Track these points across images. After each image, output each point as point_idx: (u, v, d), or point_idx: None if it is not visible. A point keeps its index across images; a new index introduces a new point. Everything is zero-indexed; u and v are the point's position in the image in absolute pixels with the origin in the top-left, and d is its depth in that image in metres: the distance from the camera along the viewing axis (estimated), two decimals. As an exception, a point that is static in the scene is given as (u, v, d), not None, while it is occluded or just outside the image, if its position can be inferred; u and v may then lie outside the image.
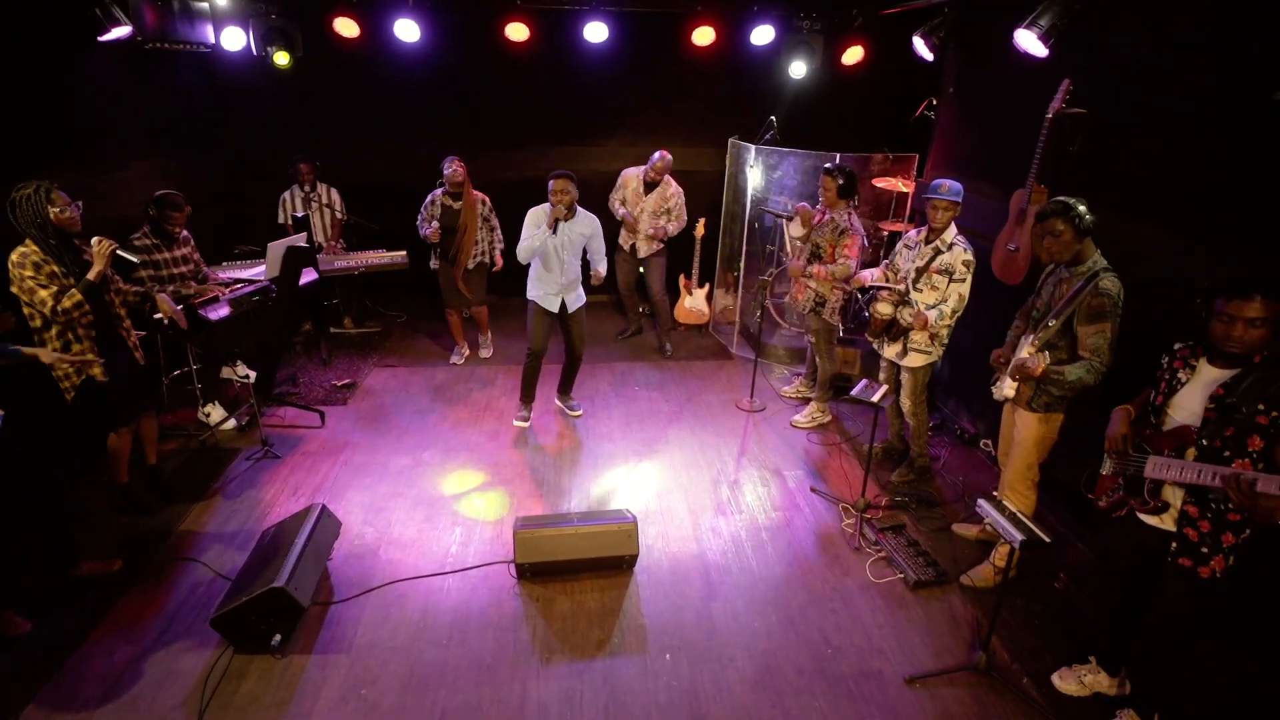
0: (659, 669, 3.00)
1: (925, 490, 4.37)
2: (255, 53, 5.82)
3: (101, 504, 3.84)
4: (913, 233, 4.19)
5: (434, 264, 5.67)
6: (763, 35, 6.17)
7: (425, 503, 4.07)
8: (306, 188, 6.05)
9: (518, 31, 5.95)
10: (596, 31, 5.99)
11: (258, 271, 4.79)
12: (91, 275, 3.24)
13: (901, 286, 4.12)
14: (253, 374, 5.06)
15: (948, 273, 3.91)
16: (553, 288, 4.57)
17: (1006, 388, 3.35)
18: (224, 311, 4.16)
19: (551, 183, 4.33)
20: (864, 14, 6.25)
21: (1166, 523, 2.48)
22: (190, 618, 3.18)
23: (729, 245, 6.76)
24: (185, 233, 4.55)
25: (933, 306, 3.96)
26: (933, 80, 5.67)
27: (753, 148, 5.86)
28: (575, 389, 5.19)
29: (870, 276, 4.30)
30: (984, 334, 4.00)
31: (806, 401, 5.42)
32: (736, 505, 4.17)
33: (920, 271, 4.01)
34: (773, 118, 6.20)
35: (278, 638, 2.94)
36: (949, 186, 3.86)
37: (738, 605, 3.39)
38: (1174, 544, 2.45)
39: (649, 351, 6.38)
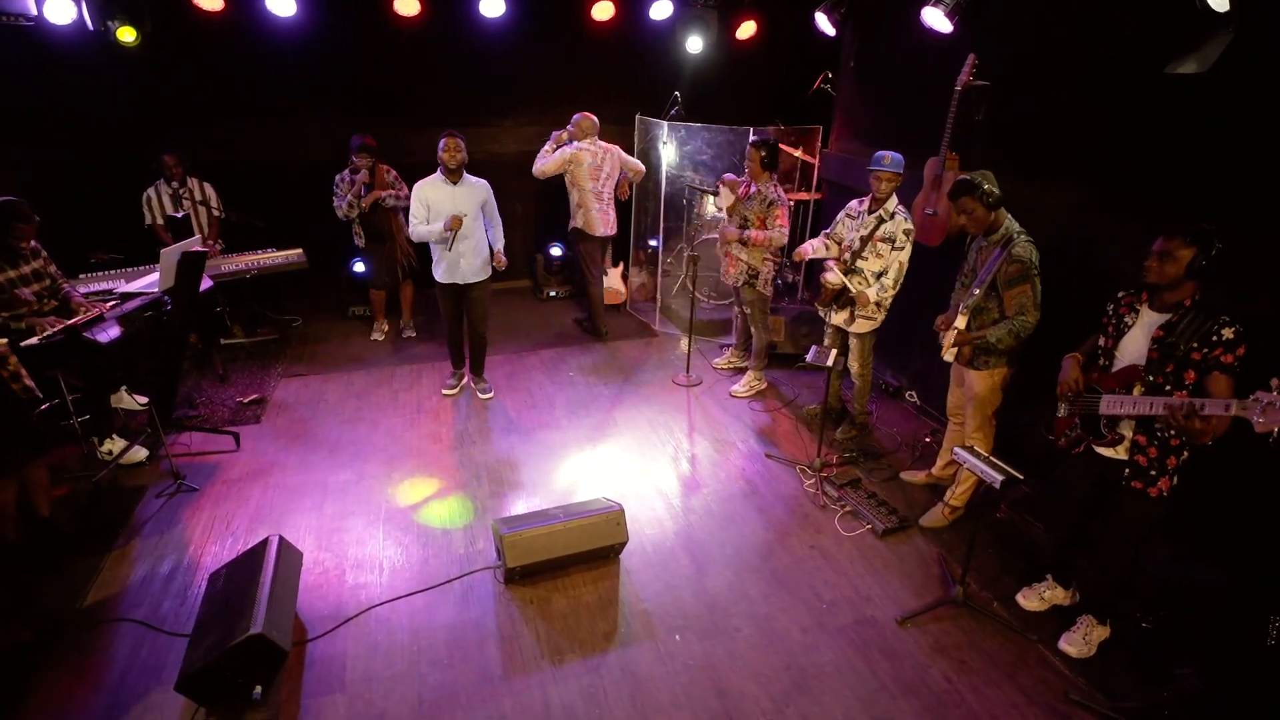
0: (672, 650, 3.01)
1: (868, 444, 4.65)
2: (91, 27, 5.01)
3: (-13, 570, 3.25)
4: (855, 203, 4.37)
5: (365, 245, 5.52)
6: (661, 10, 6.15)
7: (381, 518, 3.79)
8: (175, 184, 5.34)
9: (407, 6, 5.54)
10: (492, 6, 5.70)
11: (142, 284, 4.18)
12: None
13: (845, 256, 4.31)
14: (144, 399, 4.45)
15: (890, 240, 4.13)
16: (454, 261, 4.57)
17: (947, 353, 3.62)
18: (114, 332, 3.62)
19: (440, 143, 4.38)
20: (754, -10, 6.40)
21: (1120, 453, 2.80)
22: (140, 686, 2.78)
23: (642, 223, 6.75)
24: (34, 243, 3.88)
25: (879, 275, 4.17)
26: (828, 55, 5.92)
27: (664, 124, 5.86)
28: (509, 380, 5.04)
29: (811, 249, 4.46)
30: (903, 293, 4.28)
31: (739, 372, 5.57)
32: (699, 479, 4.23)
33: (865, 240, 4.21)
34: (677, 93, 6.23)
35: (259, 690, 2.65)
36: (891, 158, 4.05)
37: (728, 576, 3.46)
38: (1126, 470, 2.77)
39: (574, 336, 6.27)
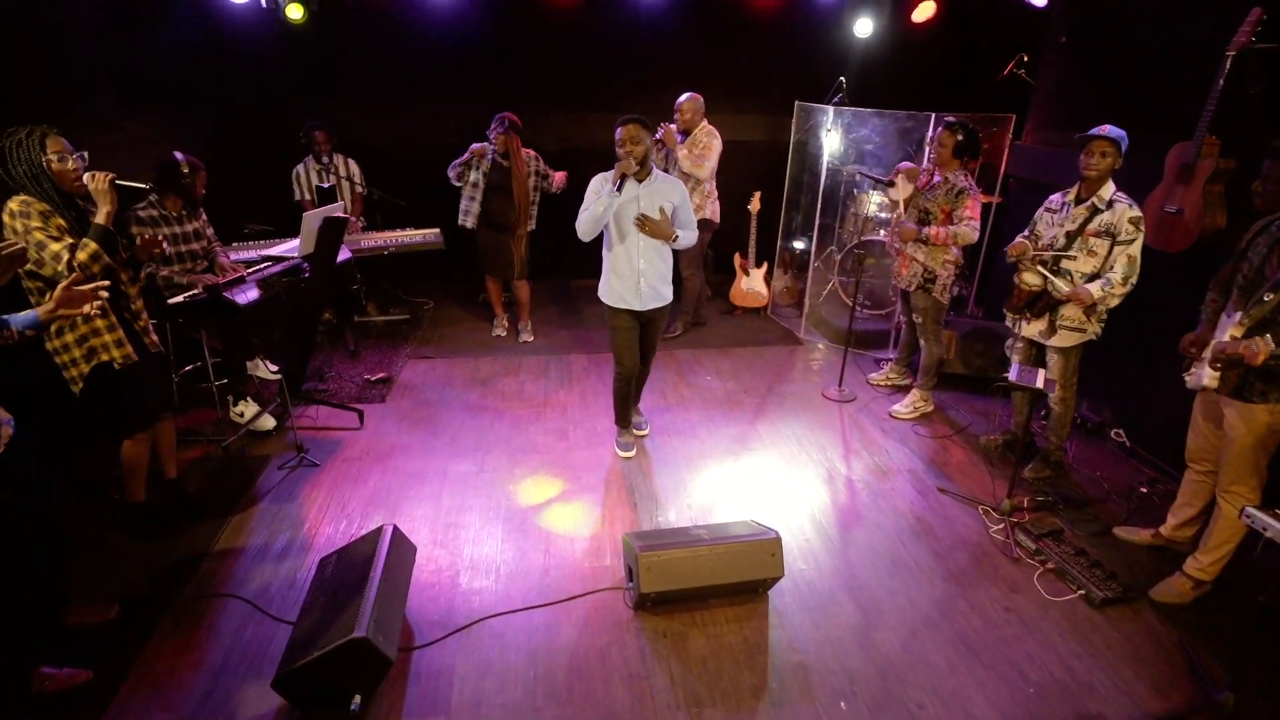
0: (837, 722, 2.43)
1: (1066, 488, 3.83)
2: (264, 4, 5.10)
3: (113, 529, 3.17)
4: (1056, 196, 3.63)
5: (470, 223, 5.09)
6: (831, -14, 5.58)
7: (501, 516, 3.44)
8: (324, 159, 5.34)
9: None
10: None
11: (282, 249, 4.10)
12: (100, 218, 2.57)
13: (1046, 256, 3.57)
14: (276, 368, 4.39)
15: (1110, 235, 3.35)
16: (629, 280, 3.55)
17: (1205, 377, 2.80)
18: (252, 294, 3.50)
19: (619, 131, 3.36)
20: (938, -37, 5.70)
21: None
22: (241, 673, 2.53)
23: (795, 219, 6.17)
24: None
25: (1093, 276, 3.41)
26: (1022, 36, 5.13)
27: (829, 109, 5.27)
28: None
29: (1024, 243, 3.70)
30: (1121, 307, 3.48)
31: (899, 390, 4.88)
32: (859, 509, 3.60)
33: (1072, 236, 3.46)
34: (842, 79, 5.61)
35: (358, 700, 2.31)
36: (1109, 128, 3.30)
37: (902, 633, 2.82)
38: None
39: (708, 336, 5.78)
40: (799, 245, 6.44)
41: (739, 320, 6.16)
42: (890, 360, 5.07)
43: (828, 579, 3.10)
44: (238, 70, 5.61)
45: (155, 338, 3.03)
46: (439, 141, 5.89)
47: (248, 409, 4.06)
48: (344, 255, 4.34)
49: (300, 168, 5.40)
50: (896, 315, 5.48)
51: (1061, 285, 3.44)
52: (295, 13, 5.08)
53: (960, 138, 4.04)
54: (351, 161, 5.56)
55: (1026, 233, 3.77)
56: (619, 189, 3.35)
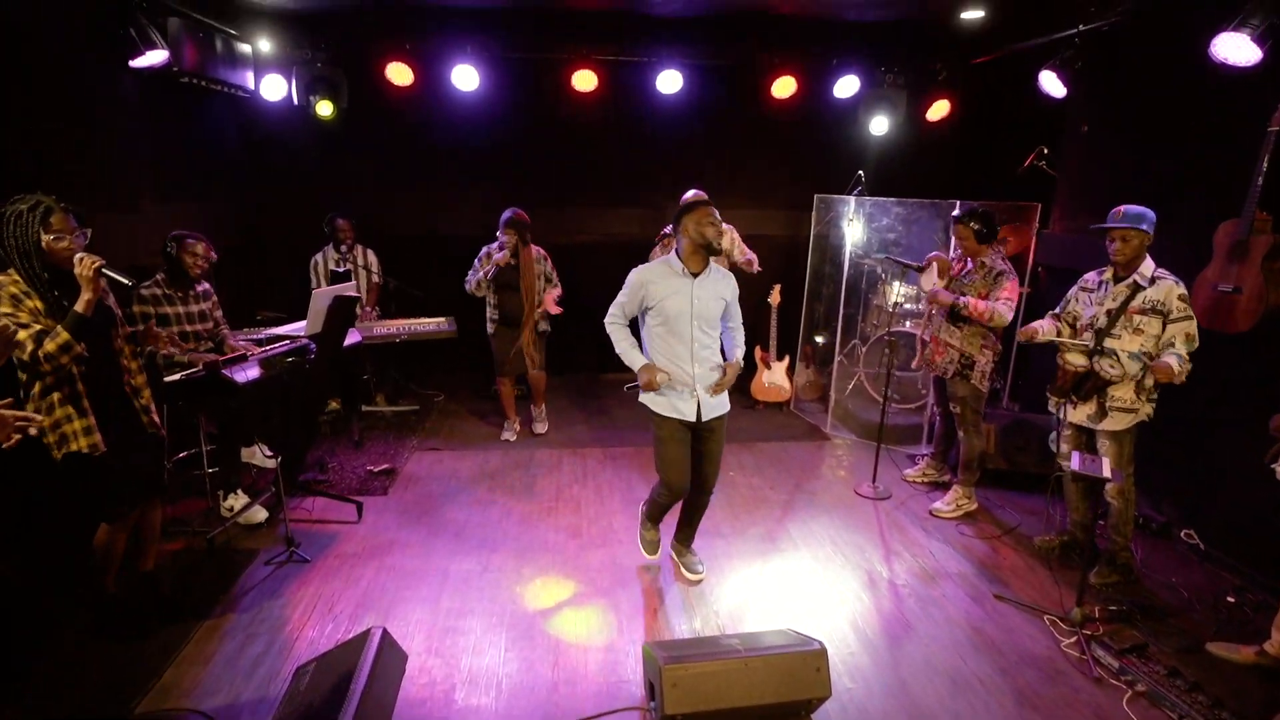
0: None
1: (1139, 596, 3.40)
2: (296, 102, 5.29)
3: (77, 625, 2.84)
4: (1091, 275, 3.46)
5: (495, 330, 4.90)
6: (847, 87, 5.73)
7: (505, 622, 3.07)
8: (343, 248, 5.34)
9: (585, 80, 5.47)
10: (670, 81, 5.52)
11: (290, 329, 3.97)
12: (79, 306, 2.41)
13: (1086, 338, 3.35)
14: (273, 455, 4.15)
15: (1159, 312, 3.15)
16: (686, 385, 3.05)
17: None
18: (253, 373, 3.32)
19: (693, 216, 2.92)
20: (948, 68, 5.86)
21: None
22: (189, 808, 2.13)
23: (817, 311, 6.04)
24: (206, 285, 3.80)
25: (1139, 354, 3.17)
26: (1040, 129, 5.16)
27: (850, 199, 5.24)
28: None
29: (1043, 328, 3.53)
30: (1174, 394, 3.22)
31: (936, 487, 4.53)
32: (908, 618, 3.19)
33: (1115, 314, 3.25)
34: (860, 173, 5.63)
35: (324, 845, 1.91)
36: (1128, 211, 3.16)
37: (975, 772, 2.37)
38: None
39: (730, 430, 5.48)
40: (820, 339, 6.28)
41: (761, 414, 5.90)
42: (925, 455, 4.75)
43: (880, 700, 2.67)
44: (266, 162, 5.75)
45: (156, 417, 2.84)
46: (458, 232, 5.96)
47: (238, 502, 3.79)
48: (353, 339, 4.21)
49: (319, 256, 5.39)
50: (929, 408, 5.21)
51: (1107, 365, 3.20)
52: (325, 109, 5.24)
53: (975, 226, 3.94)
54: (370, 252, 5.56)
55: (1058, 310, 3.59)
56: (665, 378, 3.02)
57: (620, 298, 3.10)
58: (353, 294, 3.55)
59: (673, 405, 3.07)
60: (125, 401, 2.68)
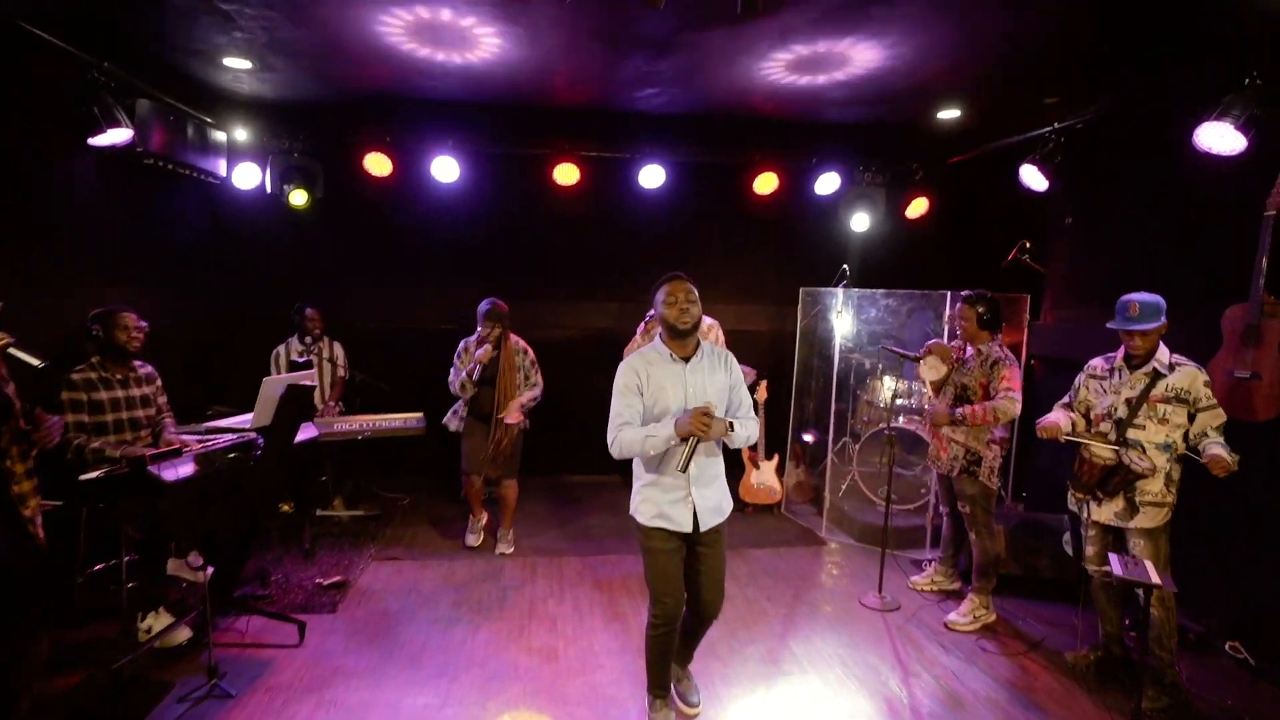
0: None
1: (1196, 722, 2.99)
2: (269, 190, 5.15)
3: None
4: (1098, 361, 3.28)
5: (455, 425, 4.52)
6: (827, 184, 5.76)
7: (464, 770, 2.56)
8: (309, 339, 5.05)
9: (567, 174, 5.43)
10: (652, 176, 5.51)
11: (235, 420, 3.59)
12: None
13: (1105, 429, 3.12)
14: (202, 566, 3.65)
15: (1183, 401, 2.95)
16: (675, 491, 2.64)
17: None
18: (186, 470, 2.91)
19: (661, 292, 2.65)
20: (925, 167, 5.98)
21: None
22: None
23: (806, 406, 5.80)
24: (149, 367, 3.45)
25: (1166, 446, 2.95)
26: (1022, 221, 5.18)
27: (838, 290, 5.14)
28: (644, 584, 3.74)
29: (1062, 421, 3.28)
30: (1193, 488, 2.98)
31: (947, 596, 4.15)
32: (939, 758, 2.73)
33: (1135, 403, 3.04)
34: (845, 266, 5.58)
35: None
36: (1142, 306, 3.00)
37: None
38: None
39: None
40: (809, 437, 6.01)
41: (751, 518, 5.51)
42: (932, 560, 4.37)
43: None
44: (236, 250, 5.55)
45: (41, 531, 2.40)
46: (432, 325, 5.71)
47: (158, 622, 3.27)
48: (308, 434, 3.83)
49: (281, 347, 5.09)
50: (932, 508, 4.89)
51: (1135, 457, 2.96)
52: (299, 198, 5.10)
53: (981, 310, 3.80)
54: (337, 344, 5.27)
55: (1068, 400, 3.38)
56: (682, 455, 2.49)
57: (616, 408, 2.63)
58: (308, 383, 3.22)
59: (663, 513, 2.64)
60: (8, 510, 2.25)
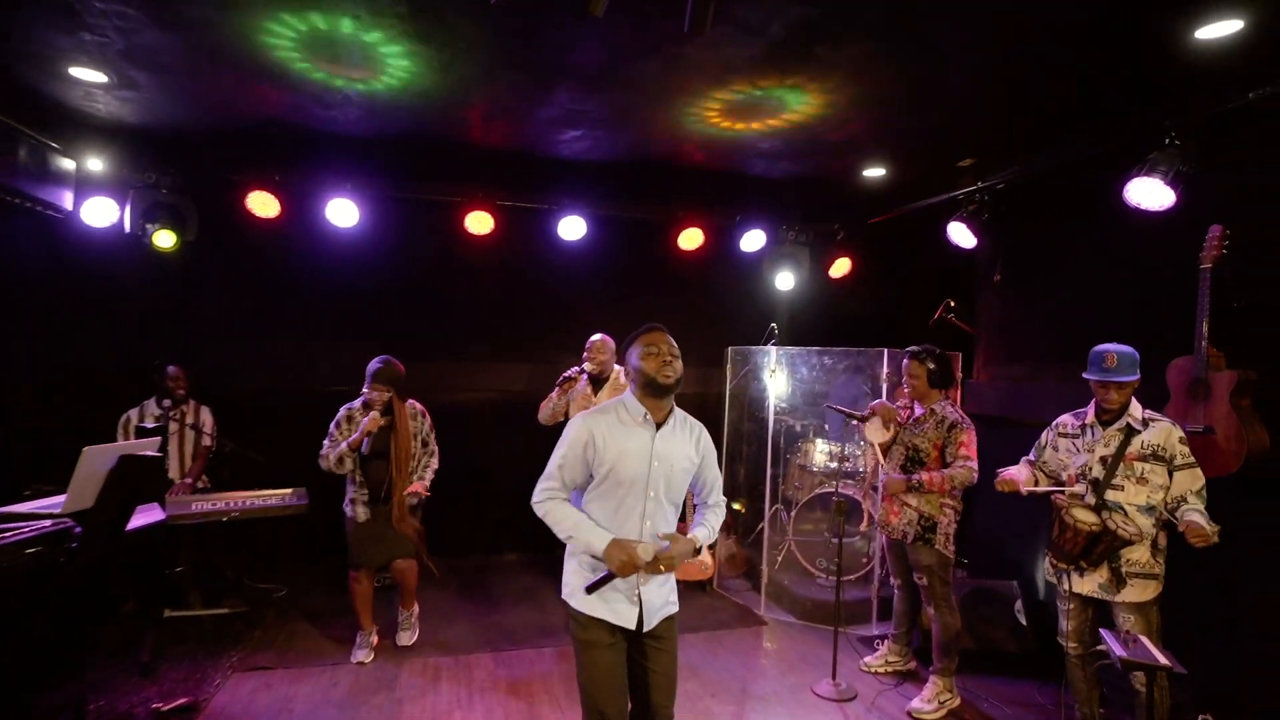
0: None
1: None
2: (128, 230, 4.43)
3: None
4: (1068, 418, 3.11)
5: (364, 514, 3.82)
6: (752, 241, 5.62)
7: None
8: (167, 403, 4.26)
9: (480, 223, 5.00)
10: (573, 228, 5.17)
11: (41, 504, 2.79)
12: None
13: (1079, 488, 2.92)
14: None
15: (1160, 458, 2.79)
16: (620, 584, 2.21)
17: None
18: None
19: (638, 345, 2.29)
20: (847, 227, 5.97)
21: None
22: None
23: (738, 473, 5.45)
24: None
25: (1148, 509, 2.76)
26: (944, 279, 5.19)
27: (771, 349, 4.90)
28: (566, 684, 3.18)
29: (1023, 476, 3.08)
30: (1176, 557, 2.83)
31: (904, 677, 3.80)
32: None
33: (1111, 461, 2.85)
34: (773, 325, 5.38)
35: None
36: (1116, 357, 2.86)
37: None
38: None
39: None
40: (738, 506, 5.64)
41: (682, 597, 4.98)
42: (884, 638, 4.02)
43: None
44: (83, 297, 4.70)
45: None
46: (321, 389, 4.98)
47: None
48: (151, 517, 3.07)
49: (134, 411, 4.27)
50: (878, 579, 4.59)
51: (1120, 521, 2.74)
52: (166, 240, 4.40)
53: (931, 366, 3.61)
54: (204, 409, 4.49)
55: (1032, 458, 3.18)
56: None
57: (555, 461, 2.27)
58: (150, 453, 2.55)
59: (607, 605, 2.22)
60: None
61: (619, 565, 2.11)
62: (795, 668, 3.95)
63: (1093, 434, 2.94)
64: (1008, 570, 4.23)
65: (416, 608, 4.19)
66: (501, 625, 4.39)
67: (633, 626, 2.20)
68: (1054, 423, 3.12)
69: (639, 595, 2.22)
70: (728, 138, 4.24)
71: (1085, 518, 2.77)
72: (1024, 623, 3.96)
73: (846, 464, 5.18)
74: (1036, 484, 3.07)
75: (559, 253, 5.41)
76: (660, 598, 2.29)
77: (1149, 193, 3.33)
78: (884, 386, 4.53)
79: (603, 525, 2.20)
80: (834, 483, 5.09)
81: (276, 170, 4.59)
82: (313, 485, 4.20)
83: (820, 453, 5.30)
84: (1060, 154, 3.89)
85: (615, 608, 2.21)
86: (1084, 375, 2.90)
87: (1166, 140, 3.28)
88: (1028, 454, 3.21)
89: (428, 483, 3.95)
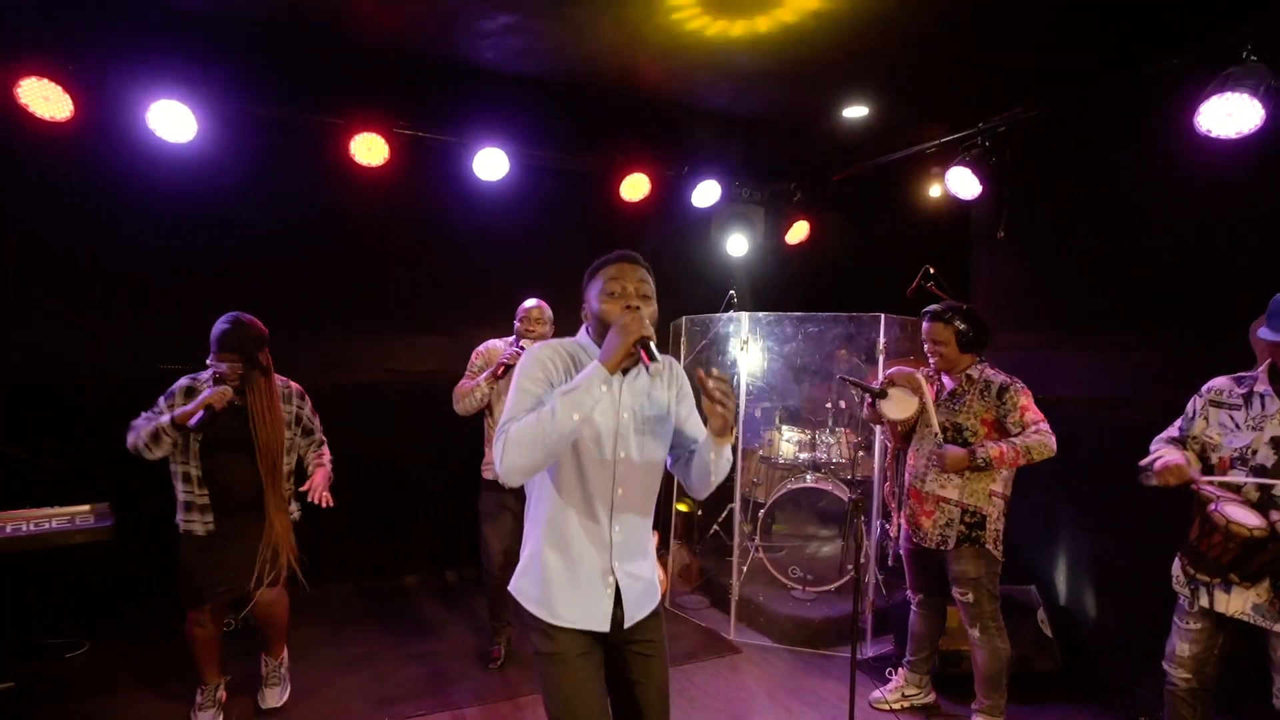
0: None
1: None
2: None
3: None
4: (1223, 382, 2.32)
5: (202, 527, 2.64)
6: (705, 195, 4.78)
7: None
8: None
9: (370, 150, 3.83)
10: (491, 167, 4.09)
11: None
12: None
13: (1234, 477, 2.20)
14: None
15: None
16: (590, 565, 1.71)
17: None
18: None
19: (599, 278, 1.77)
20: (804, 190, 5.27)
21: None
22: None
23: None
24: None
25: None
26: (922, 247, 4.59)
27: (743, 316, 4.06)
28: None
29: (1183, 459, 2.25)
30: None
31: (926, 713, 3.07)
32: None
33: (1287, 443, 2.14)
34: (732, 293, 4.57)
35: None
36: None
37: None
38: None
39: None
40: (681, 506, 4.79)
41: (633, 620, 4.08)
42: (905, 664, 3.25)
43: None
44: None
45: None
46: (142, 369, 3.61)
47: None
48: None
49: None
50: (873, 590, 3.86)
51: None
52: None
53: (961, 326, 2.89)
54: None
55: (1177, 432, 2.39)
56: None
57: (513, 400, 1.70)
58: None
59: (575, 604, 1.71)
60: None
61: (627, 321, 1.62)
62: (792, 712, 3.12)
63: (1263, 405, 2.20)
64: (1021, 572, 3.62)
65: (286, 655, 3.04)
66: (408, 674, 3.29)
67: (605, 628, 1.71)
68: (1204, 387, 2.35)
69: (615, 580, 1.71)
70: (697, 48, 3.37)
71: (1244, 519, 2.05)
72: (1049, 635, 3.35)
73: (816, 453, 4.46)
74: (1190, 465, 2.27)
75: (475, 197, 4.33)
76: (642, 585, 1.78)
77: (1227, 115, 2.74)
78: (880, 358, 3.83)
79: (567, 501, 1.72)
80: (805, 475, 4.35)
81: (66, 53, 3.21)
82: (126, 497, 2.94)
83: (787, 442, 4.54)
84: (1098, 81, 3.30)
85: (584, 606, 1.70)
86: (1259, 333, 2.17)
87: (1244, 54, 2.72)
88: (1168, 430, 2.45)
89: (329, 468, 2.90)
